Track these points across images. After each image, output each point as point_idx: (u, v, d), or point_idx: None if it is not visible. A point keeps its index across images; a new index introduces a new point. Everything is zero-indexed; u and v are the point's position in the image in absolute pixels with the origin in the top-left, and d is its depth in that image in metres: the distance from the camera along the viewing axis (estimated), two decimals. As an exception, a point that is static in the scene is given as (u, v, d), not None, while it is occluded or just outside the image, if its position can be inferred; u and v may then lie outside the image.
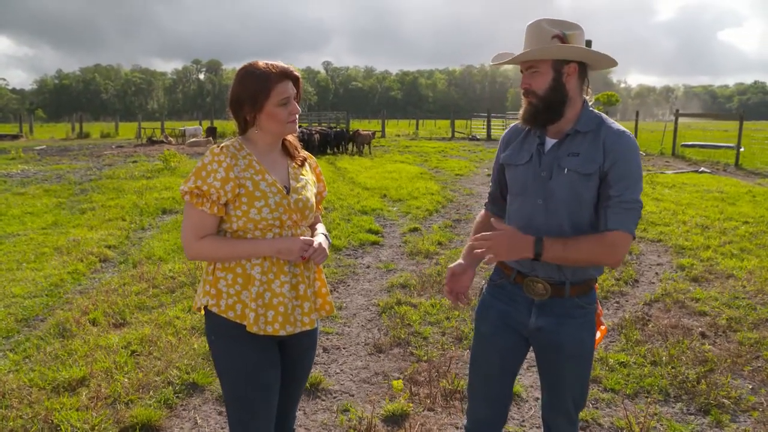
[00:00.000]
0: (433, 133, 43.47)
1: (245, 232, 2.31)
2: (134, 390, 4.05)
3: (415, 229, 9.58)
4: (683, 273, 7.06)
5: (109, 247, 8.19)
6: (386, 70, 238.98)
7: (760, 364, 4.62)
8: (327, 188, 2.69)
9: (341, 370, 4.51)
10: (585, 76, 2.34)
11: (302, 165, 2.53)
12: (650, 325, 5.36)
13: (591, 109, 2.36)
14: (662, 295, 6.21)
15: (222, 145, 2.33)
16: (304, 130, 23.79)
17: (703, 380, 4.31)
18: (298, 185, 2.42)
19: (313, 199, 2.49)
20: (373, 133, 26.94)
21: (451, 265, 2.54)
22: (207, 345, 4.60)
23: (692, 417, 3.90)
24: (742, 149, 21.02)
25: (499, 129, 39.75)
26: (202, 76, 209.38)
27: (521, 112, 2.39)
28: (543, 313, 2.39)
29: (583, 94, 2.36)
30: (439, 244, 8.56)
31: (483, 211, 2.75)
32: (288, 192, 2.37)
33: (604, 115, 2.35)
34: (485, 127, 38.92)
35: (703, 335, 5.17)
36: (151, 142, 31.18)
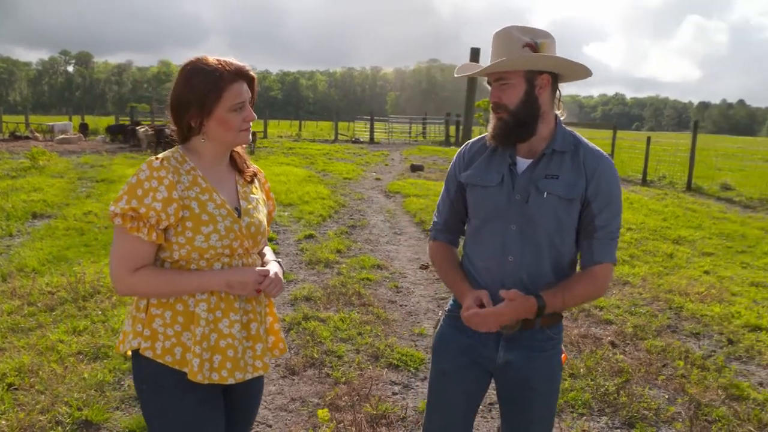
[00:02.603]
0: (316, 135, 42.99)
1: (188, 263, 1.94)
2: (15, 432, 3.51)
3: (310, 236, 9.26)
4: (582, 280, 7.17)
5: (-29, 257, 7.31)
6: (266, 69, 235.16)
7: (671, 372, 4.70)
8: None
9: (253, 396, 4.14)
10: (557, 89, 2.16)
11: (251, 181, 2.17)
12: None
13: (564, 126, 2.19)
14: (567, 303, 6.24)
15: (161, 156, 1.94)
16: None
17: (621, 391, 4.31)
18: (249, 206, 2.07)
19: (266, 222, 2.15)
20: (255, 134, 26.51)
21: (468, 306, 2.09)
22: (99, 374, 4.13)
23: (618, 431, 3.87)
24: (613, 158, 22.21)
25: (382, 132, 39.96)
26: (71, 69, 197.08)
27: (489, 128, 2.18)
28: (512, 346, 2.19)
29: (554, 109, 2.18)
30: (338, 252, 8.28)
31: (436, 243, 2.40)
32: (239, 215, 2.02)
33: (578, 134, 2.18)
34: (368, 129, 38.97)
35: (613, 344, 5.22)
36: (15, 137, 28.74)
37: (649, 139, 19.49)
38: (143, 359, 1.95)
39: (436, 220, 2.43)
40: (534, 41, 2.04)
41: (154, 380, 1.97)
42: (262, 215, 2.12)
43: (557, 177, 2.09)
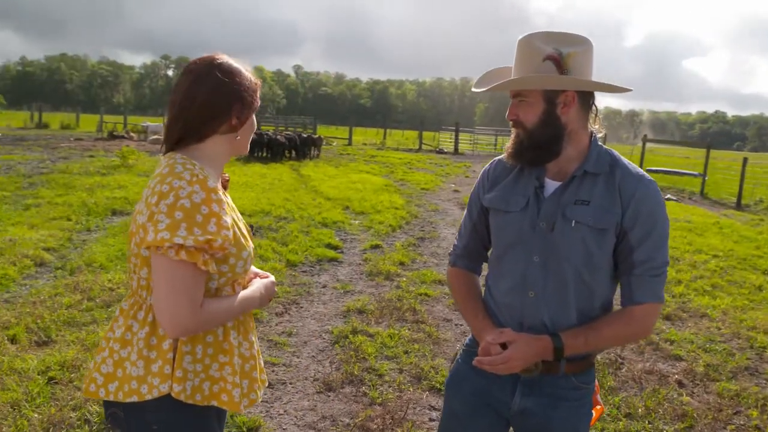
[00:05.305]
0: (401, 144, 42.99)
1: (219, 292, 1.77)
2: (42, 430, 3.50)
3: (376, 246, 9.12)
4: (655, 309, 6.71)
5: (47, 249, 7.53)
6: (357, 77, 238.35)
7: (742, 422, 4.26)
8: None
9: (285, 411, 4.01)
10: (591, 103, 1.89)
11: (225, 188, 1.98)
12: (624, 370, 4.98)
13: (600, 144, 1.92)
14: (635, 334, 5.83)
15: (195, 172, 1.66)
16: (269, 134, 23.18)
17: (682, 439, 3.94)
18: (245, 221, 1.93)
19: None
20: (320, 138, 26.94)
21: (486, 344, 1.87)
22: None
23: (673, 484, 3.51)
24: (706, 178, 21.05)
25: (467, 144, 39.54)
26: (170, 73, 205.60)
27: (508, 144, 1.95)
28: (530, 392, 1.94)
29: (588, 126, 1.91)
30: (401, 264, 8.10)
31: (455, 270, 2.19)
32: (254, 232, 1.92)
33: (616, 153, 1.90)
34: (452, 140, 38.59)
35: (680, 384, 4.80)
36: (112, 136, 30.22)
37: (745, 159, 18.37)
38: (155, 404, 1.71)
39: (456, 243, 2.22)
40: (558, 52, 1.78)
41: (170, 424, 1.77)
42: None
43: (588, 203, 1.83)
